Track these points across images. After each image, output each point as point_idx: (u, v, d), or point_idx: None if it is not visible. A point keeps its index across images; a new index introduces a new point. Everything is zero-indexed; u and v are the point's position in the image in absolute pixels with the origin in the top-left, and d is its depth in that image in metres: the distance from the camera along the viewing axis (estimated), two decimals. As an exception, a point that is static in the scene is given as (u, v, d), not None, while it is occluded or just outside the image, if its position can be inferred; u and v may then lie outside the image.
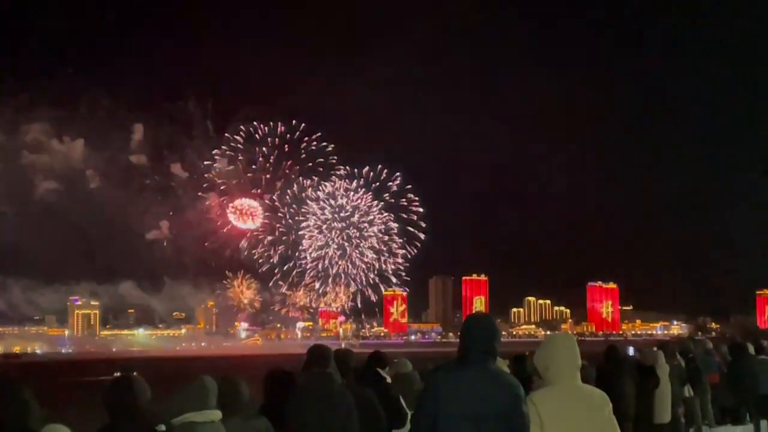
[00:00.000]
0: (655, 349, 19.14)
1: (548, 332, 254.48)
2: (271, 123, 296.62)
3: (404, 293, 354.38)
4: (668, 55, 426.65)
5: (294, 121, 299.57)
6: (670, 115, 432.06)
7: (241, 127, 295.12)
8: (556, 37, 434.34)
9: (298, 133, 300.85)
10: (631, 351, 22.01)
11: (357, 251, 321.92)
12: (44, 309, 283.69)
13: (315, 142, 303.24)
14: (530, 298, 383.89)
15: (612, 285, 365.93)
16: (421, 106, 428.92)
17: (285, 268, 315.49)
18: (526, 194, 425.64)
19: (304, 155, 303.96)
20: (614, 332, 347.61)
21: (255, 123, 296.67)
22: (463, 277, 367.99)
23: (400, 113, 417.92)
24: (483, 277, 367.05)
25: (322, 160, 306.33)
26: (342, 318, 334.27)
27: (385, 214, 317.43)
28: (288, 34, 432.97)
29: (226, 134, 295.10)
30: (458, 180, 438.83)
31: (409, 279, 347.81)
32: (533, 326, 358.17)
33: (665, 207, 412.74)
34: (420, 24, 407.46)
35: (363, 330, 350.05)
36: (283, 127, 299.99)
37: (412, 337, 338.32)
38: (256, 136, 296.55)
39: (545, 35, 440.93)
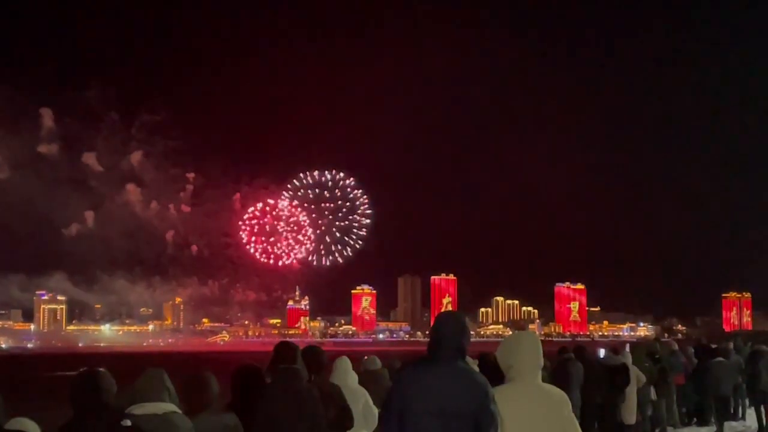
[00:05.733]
0: (627, 350, 19.26)
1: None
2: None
3: (373, 291, 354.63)
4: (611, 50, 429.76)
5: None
6: (640, 117, 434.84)
7: (154, 118, 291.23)
8: (533, 26, 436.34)
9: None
10: (602, 353, 22.11)
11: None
12: None
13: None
14: (498, 298, 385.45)
15: (580, 286, 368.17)
16: (386, 106, 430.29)
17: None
18: (495, 195, 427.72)
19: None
20: (581, 333, 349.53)
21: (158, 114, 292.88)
22: (432, 277, 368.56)
23: (360, 114, 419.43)
24: (451, 277, 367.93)
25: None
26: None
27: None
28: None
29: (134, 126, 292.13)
30: (427, 180, 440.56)
31: (377, 278, 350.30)
32: (501, 326, 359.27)
33: (633, 210, 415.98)
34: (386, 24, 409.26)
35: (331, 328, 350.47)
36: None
37: (381, 336, 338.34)
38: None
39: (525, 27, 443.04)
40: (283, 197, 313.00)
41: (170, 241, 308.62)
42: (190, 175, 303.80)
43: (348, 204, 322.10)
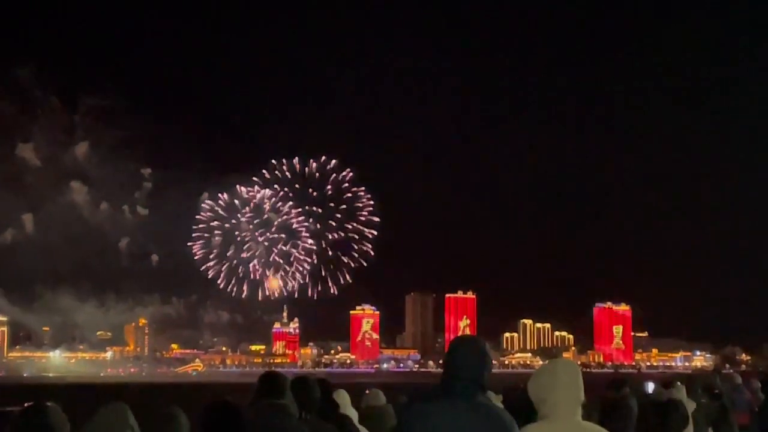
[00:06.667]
0: (678, 383, 19.20)
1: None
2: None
3: (375, 312, 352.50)
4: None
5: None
6: (697, 117, 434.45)
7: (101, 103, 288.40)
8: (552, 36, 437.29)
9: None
10: (650, 387, 22.03)
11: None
12: None
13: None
14: (526, 320, 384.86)
15: (624, 307, 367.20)
16: (406, 110, 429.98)
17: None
18: (523, 199, 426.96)
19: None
20: (626, 363, 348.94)
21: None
22: (447, 295, 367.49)
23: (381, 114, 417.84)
24: (470, 295, 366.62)
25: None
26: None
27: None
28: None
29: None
30: (442, 179, 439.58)
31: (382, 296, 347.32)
32: (529, 354, 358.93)
33: (687, 219, 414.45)
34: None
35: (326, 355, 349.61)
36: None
37: (385, 365, 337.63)
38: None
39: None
40: (250, 192, 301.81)
41: (125, 250, 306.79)
42: (146, 171, 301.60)
43: (345, 207, 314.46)
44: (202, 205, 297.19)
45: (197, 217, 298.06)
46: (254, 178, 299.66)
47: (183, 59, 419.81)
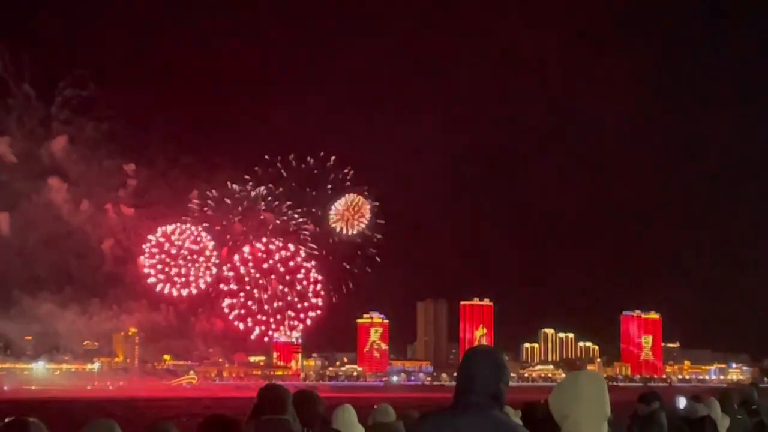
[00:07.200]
0: (711, 399, 19.18)
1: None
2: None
3: (384, 321, 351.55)
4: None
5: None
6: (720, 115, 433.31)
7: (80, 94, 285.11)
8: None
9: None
10: (681, 402, 22.00)
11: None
12: None
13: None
14: (547, 330, 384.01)
15: (654, 315, 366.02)
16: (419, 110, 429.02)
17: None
18: (544, 199, 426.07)
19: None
20: (656, 376, 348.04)
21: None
22: (462, 302, 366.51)
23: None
24: (487, 302, 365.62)
25: None
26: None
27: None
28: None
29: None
30: (456, 177, 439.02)
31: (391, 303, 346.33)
32: (551, 366, 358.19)
33: (725, 222, 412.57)
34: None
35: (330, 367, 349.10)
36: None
37: (395, 378, 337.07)
38: None
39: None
40: (243, 191, 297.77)
41: (108, 252, 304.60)
42: (130, 167, 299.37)
43: (347, 208, 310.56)
44: (189, 205, 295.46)
45: (184, 217, 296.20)
46: (246, 176, 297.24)
47: (171, 47, 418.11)
